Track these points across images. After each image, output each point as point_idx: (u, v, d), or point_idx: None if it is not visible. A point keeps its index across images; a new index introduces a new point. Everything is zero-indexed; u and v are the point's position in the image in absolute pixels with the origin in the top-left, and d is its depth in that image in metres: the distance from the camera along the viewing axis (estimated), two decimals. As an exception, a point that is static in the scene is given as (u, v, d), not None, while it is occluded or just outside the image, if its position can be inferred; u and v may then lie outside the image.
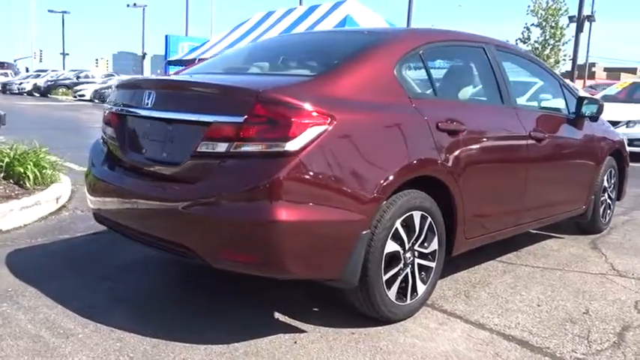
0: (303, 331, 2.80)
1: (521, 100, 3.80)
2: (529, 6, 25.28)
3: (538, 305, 3.26)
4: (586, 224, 4.80)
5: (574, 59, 21.55)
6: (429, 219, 2.96)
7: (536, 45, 25.29)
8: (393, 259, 2.81)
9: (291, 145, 2.39)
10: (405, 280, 2.90)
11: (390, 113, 2.81)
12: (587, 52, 39.77)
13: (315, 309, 3.09)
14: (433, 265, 3.05)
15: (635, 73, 58.26)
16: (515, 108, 3.69)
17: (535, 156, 3.75)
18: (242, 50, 3.97)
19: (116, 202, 2.97)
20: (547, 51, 25.16)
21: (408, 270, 2.91)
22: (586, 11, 21.85)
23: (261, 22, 25.63)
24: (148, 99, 2.78)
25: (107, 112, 3.22)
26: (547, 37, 24.94)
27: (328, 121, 2.47)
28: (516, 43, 25.70)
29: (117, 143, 3.08)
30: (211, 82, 2.80)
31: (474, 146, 3.20)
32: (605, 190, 4.86)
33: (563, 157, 4.16)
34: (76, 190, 6.01)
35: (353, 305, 2.88)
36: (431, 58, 3.21)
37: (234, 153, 2.45)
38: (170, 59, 31.92)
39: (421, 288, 3.00)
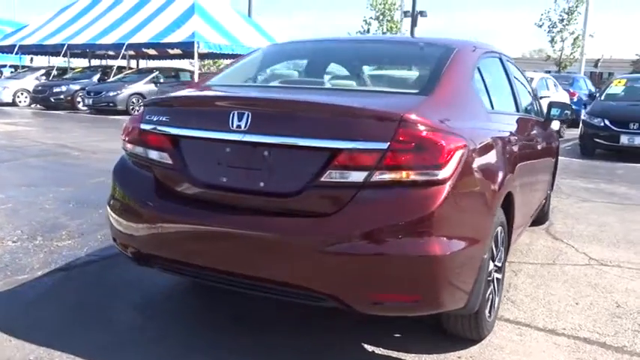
0: (410, 363, 2.66)
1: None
2: (369, -1, 26.62)
3: (577, 303, 3.46)
4: (541, 216, 5.20)
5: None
6: (503, 232, 2.98)
7: (376, 37, 26.64)
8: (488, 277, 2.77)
9: (444, 173, 2.22)
10: (491, 296, 2.89)
11: (487, 130, 2.75)
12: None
13: (397, 335, 2.94)
14: (501, 276, 3.08)
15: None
16: (523, 115, 3.85)
17: (534, 159, 3.96)
18: (279, 59, 3.55)
19: (187, 239, 2.50)
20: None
21: (492, 286, 2.90)
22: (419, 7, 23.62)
23: (94, 6, 23.43)
24: (240, 120, 2.36)
25: (146, 132, 2.69)
26: (384, 31, 26.47)
27: (463, 144, 2.34)
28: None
29: (173, 170, 2.59)
30: (336, 104, 2.47)
31: (519, 156, 3.28)
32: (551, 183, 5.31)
33: (542, 156, 4.44)
34: (-23, 213, 4.99)
35: (447, 328, 2.80)
36: (482, 71, 3.19)
37: (376, 183, 2.21)
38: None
39: (496, 301, 3.01)
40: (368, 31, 26.61)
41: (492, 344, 2.87)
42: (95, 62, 26.57)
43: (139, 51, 23.94)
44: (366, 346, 2.80)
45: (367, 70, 3.27)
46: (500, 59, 3.71)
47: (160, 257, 2.63)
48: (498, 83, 3.53)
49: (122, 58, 20.58)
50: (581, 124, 10.72)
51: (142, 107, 2.81)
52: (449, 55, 2.91)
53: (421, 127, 2.23)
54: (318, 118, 2.33)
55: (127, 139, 2.82)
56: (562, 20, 25.18)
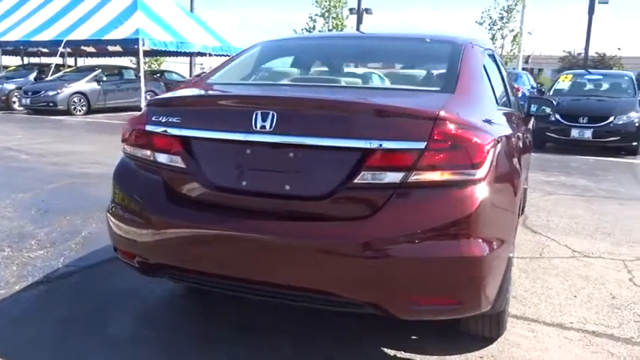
0: (436, 366, 2.61)
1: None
2: (315, -4, 26.54)
3: (575, 296, 3.51)
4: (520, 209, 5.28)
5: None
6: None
7: (322, 35, 26.63)
8: (506, 275, 2.76)
9: (481, 172, 2.17)
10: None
11: (501, 126, 2.73)
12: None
13: (414, 337, 2.88)
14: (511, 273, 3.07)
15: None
16: (514, 111, 3.88)
17: (525, 154, 3.99)
18: (281, 55, 3.39)
19: (203, 246, 2.35)
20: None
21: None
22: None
23: (24, 2, 22.13)
24: (264, 121, 2.23)
25: (153, 134, 2.51)
26: (330, 28, 26.50)
27: (493, 142, 2.30)
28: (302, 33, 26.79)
29: (186, 174, 2.43)
30: (370, 102, 2.36)
31: (521, 152, 3.29)
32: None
33: (527, 151, 4.50)
34: None
35: (467, 329, 2.76)
36: (486, 67, 3.17)
37: (412, 183, 2.13)
38: None
39: (509, 298, 3.00)
40: (314, 28, 26.62)
41: (508, 342, 2.86)
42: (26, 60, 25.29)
43: (75, 48, 22.91)
44: (386, 350, 2.73)
45: (380, 67, 3.19)
46: (493, 55, 3.71)
47: (171, 267, 2.47)
48: (496, 79, 3.53)
49: (60, 55, 19.61)
50: (532, 119, 11.03)
51: (146, 107, 2.63)
52: (459, 52, 2.87)
53: (457, 126, 2.17)
54: (349, 117, 2.23)
55: (129, 141, 2.63)
56: (502, 18, 26.11)
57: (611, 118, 10.05)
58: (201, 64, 31.94)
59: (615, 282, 3.78)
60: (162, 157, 2.49)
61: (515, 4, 25.99)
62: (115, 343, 2.75)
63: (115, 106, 17.71)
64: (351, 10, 25.07)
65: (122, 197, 2.62)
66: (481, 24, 26.53)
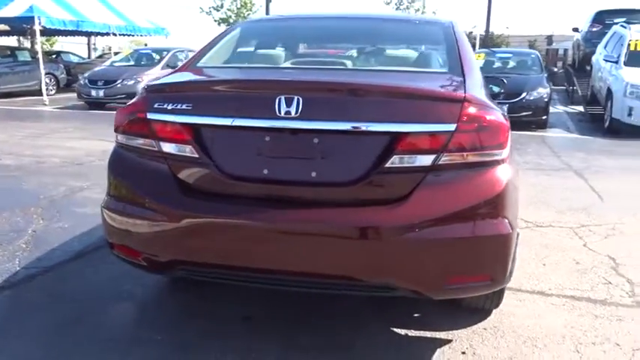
0: (448, 341, 2.68)
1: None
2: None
3: (544, 264, 3.73)
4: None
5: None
6: None
7: (229, 13, 26.07)
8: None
9: (505, 152, 2.25)
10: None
11: (499, 105, 2.81)
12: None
13: (416, 315, 2.94)
14: None
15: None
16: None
17: None
18: (272, 36, 3.20)
19: (226, 239, 2.25)
20: (240, 20, 26.01)
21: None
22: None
23: None
24: (289, 106, 2.15)
25: (157, 122, 2.34)
26: (239, 6, 25.92)
27: (508, 122, 2.38)
28: (210, 12, 26.04)
29: (198, 164, 2.29)
30: (398, 86, 2.32)
31: None
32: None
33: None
34: None
35: (469, 303, 2.85)
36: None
37: (443, 166, 2.15)
38: None
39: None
40: (222, 6, 25.93)
41: (504, 312, 2.99)
42: None
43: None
44: (396, 330, 2.77)
45: (381, 49, 3.15)
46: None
47: (187, 262, 2.34)
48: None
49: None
50: None
51: (145, 93, 2.44)
52: (452, 33, 2.92)
53: (481, 107, 2.23)
54: (378, 100, 2.21)
55: (124, 130, 2.44)
56: (408, -3, 26.78)
57: (524, 94, 10.66)
58: (94, 44, 30.12)
59: (573, 249, 4.06)
60: (168, 147, 2.34)
61: (419, -17, 26.76)
62: (118, 348, 2.56)
63: (9, 91, 16.38)
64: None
65: (123, 191, 2.44)
66: (388, 3, 27.04)
